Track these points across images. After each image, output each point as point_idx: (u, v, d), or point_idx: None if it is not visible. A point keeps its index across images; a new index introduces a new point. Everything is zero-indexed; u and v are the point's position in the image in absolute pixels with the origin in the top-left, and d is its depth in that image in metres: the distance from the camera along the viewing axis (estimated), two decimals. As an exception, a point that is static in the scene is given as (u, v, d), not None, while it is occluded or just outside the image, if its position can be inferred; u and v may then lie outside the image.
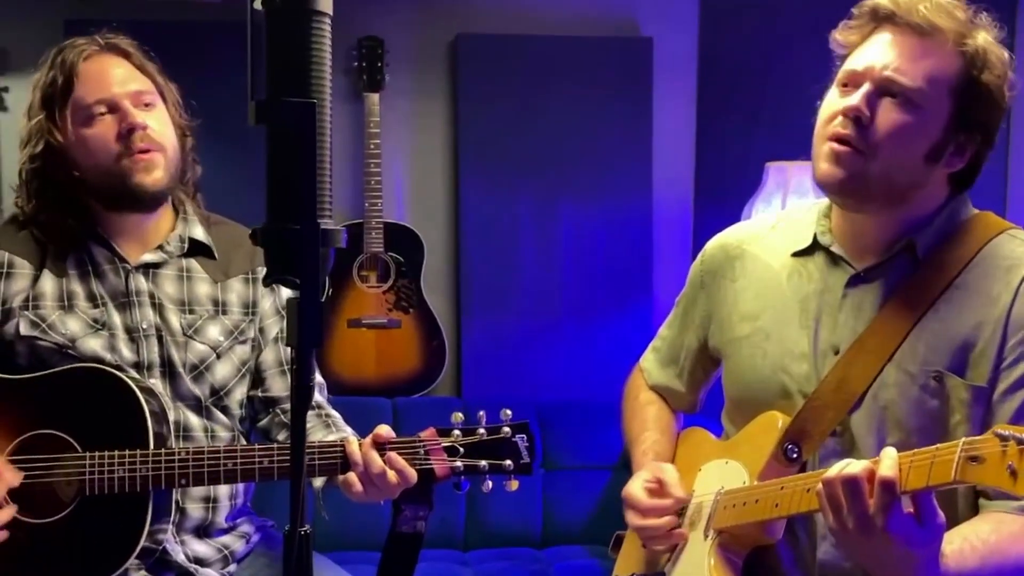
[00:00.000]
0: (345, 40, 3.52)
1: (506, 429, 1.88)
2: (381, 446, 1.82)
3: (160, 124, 1.96)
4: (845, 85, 1.63)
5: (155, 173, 1.93)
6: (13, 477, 1.78)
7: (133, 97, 1.93)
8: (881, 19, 1.61)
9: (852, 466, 1.42)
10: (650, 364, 2.10)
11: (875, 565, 1.48)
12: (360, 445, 1.81)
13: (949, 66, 1.57)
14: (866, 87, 1.59)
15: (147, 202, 1.97)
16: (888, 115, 1.58)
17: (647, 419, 2.04)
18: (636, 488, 1.83)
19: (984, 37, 1.59)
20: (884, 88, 1.58)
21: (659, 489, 1.81)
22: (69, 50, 1.95)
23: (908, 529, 1.39)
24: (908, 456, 1.39)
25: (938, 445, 1.37)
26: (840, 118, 1.60)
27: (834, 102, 1.64)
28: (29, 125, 1.97)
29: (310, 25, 1.08)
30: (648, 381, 2.10)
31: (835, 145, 1.61)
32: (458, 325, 3.74)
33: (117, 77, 1.94)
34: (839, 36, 1.68)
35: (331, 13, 1.10)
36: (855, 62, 1.62)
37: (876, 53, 1.60)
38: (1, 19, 3.51)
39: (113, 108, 1.92)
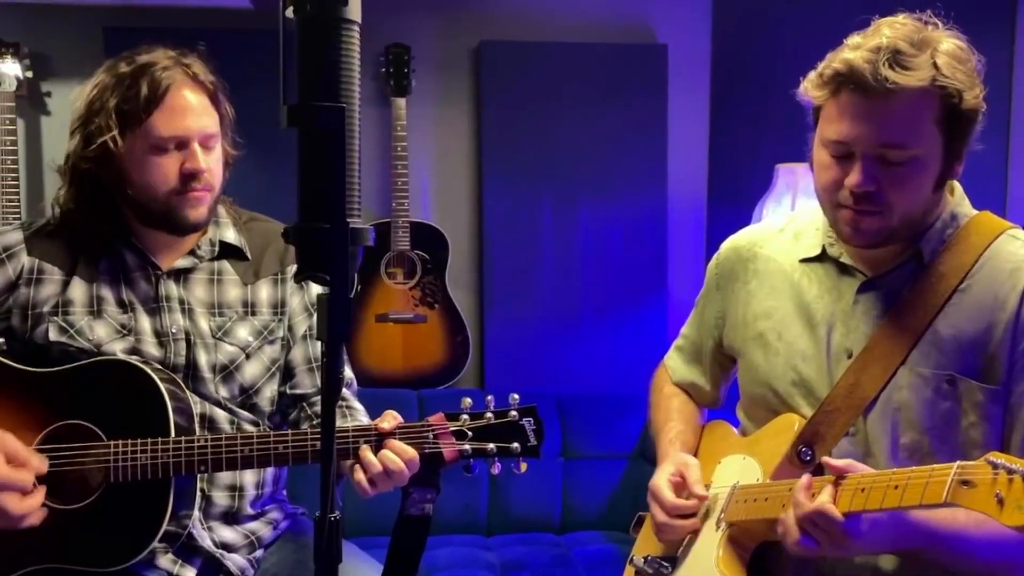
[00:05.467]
0: (373, 47, 3.58)
1: (513, 413, 1.88)
2: (390, 434, 1.83)
3: (216, 164, 1.97)
4: (834, 154, 1.63)
5: (201, 210, 1.95)
6: (40, 464, 1.80)
7: (202, 139, 1.93)
8: (846, 82, 1.58)
9: (821, 496, 1.54)
10: (674, 362, 2.14)
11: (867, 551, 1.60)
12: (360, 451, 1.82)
13: (928, 107, 1.56)
14: (861, 162, 1.59)
15: (186, 231, 1.99)
16: (893, 178, 1.59)
17: (671, 410, 2.08)
18: (663, 482, 1.85)
19: (944, 58, 1.56)
20: (880, 158, 1.58)
21: (682, 483, 1.85)
22: (159, 69, 1.90)
23: (876, 525, 1.50)
24: (905, 474, 1.44)
25: (933, 466, 1.41)
26: (847, 192, 1.62)
27: (830, 168, 1.64)
28: (92, 122, 1.92)
29: (340, 32, 1.11)
30: (673, 378, 2.14)
31: (851, 214, 1.63)
32: (481, 320, 3.78)
33: (193, 114, 1.92)
34: (809, 89, 1.65)
35: (360, 21, 1.12)
36: (838, 131, 1.60)
37: (857, 125, 1.58)
38: (43, 26, 3.57)
39: (182, 145, 1.91)
